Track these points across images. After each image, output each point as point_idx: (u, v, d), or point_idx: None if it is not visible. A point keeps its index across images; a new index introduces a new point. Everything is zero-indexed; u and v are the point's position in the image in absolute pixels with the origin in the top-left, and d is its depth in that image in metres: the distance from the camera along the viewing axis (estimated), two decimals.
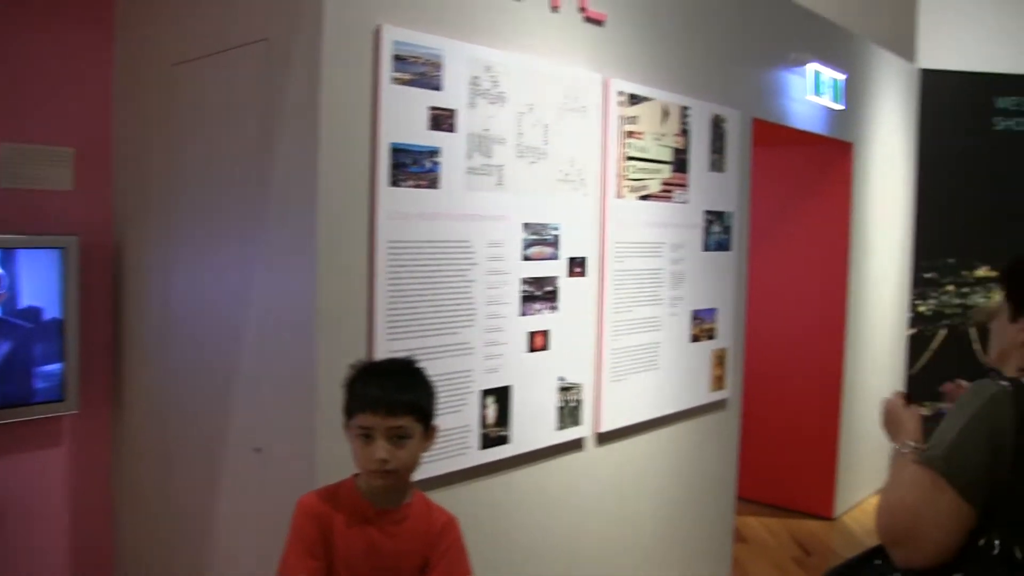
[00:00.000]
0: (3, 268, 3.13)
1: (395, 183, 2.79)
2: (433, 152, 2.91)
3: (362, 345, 2.75)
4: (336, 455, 2.47)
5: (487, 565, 3.09)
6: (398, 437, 2.08)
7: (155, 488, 3.43)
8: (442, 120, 2.93)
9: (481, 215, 3.08)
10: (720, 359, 4.49)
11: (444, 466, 2.99)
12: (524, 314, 3.27)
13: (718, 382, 4.48)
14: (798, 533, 5.91)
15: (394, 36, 2.78)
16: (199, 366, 3.18)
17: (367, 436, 2.07)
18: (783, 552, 5.57)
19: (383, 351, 2.75)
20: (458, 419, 3.04)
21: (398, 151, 2.80)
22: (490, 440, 3.17)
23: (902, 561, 1.88)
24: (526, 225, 3.25)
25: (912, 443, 2.03)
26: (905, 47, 6.89)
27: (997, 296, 2.10)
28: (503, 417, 3.21)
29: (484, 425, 3.14)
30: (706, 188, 4.27)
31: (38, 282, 3.22)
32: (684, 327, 4.19)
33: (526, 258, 3.26)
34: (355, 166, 2.72)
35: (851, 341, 6.12)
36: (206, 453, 3.13)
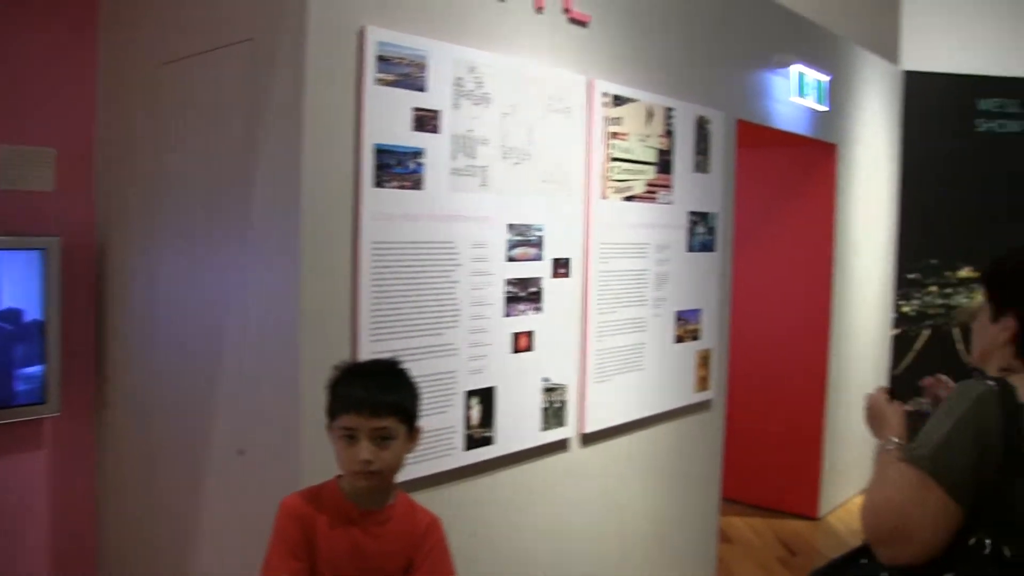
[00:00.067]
0: None
1: (379, 184, 2.79)
2: (417, 153, 2.90)
3: (346, 346, 2.75)
4: (320, 456, 2.46)
5: (471, 566, 3.09)
6: (382, 438, 2.08)
7: (139, 490, 3.41)
8: (426, 121, 2.93)
9: (465, 216, 3.08)
10: (704, 360, 4.50)
11: (429, 467, 2.99)
12: (508, 315, 3.27)
13: (702, 383, 4.49)
14: (783, 533, 5.93)
15: (378, 37, 2.77)
16: (182, 368, 3.17)
17: (351, 437, 2.07)
18: (768, 552, 5.58)
19: (367, 352, 2.74)
20: (442, 420, 3.04)
21: (382, 152, 2.79)
22: (474, 441, 3.17)
23: (888, 559, 1.87)
24: (510, 226, 3.25)
25: (896, 439, 2.04)
26: (889, 49, 6.92)
27: (979, 297, 2.11)
28: (487, 418, 3.21)
29: (468, 426, 3.14)
30: (690, 189, 4.27)
31: (19, 283, 3.21)
32: (668, 328, 4.19)
33: (510, 259, 3.26)
34: (339, 167, 2.71)
35: (835, 341, 6.14)
36: (190, 455, 3.12)
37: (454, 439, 3.09)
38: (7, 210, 3.29)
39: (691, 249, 4.32)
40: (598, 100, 3.64)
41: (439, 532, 2.23)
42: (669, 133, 4.09)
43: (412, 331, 2.92)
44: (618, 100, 3.76)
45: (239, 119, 2.86)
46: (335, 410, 2.12)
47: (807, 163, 6.07)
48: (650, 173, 3.99)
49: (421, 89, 2.91)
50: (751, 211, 5.93)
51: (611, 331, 3.80)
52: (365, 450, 2.05)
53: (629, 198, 3.86)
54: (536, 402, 3.43)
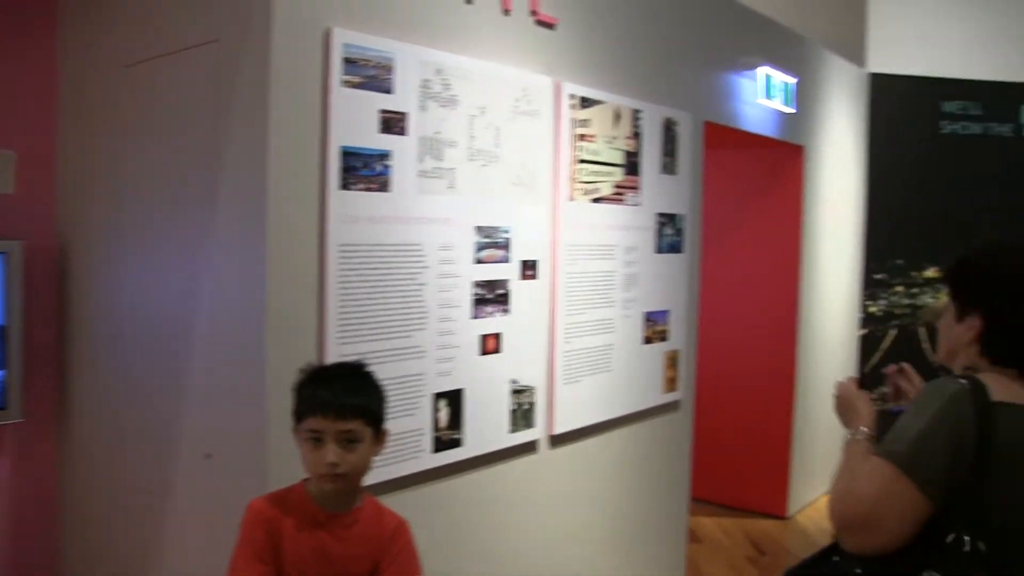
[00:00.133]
0: None
1: (345, 186, 2.78)
2: (384, 155, 2.90)
3: (313, 349, 2.74)
4: (287, 460, 2.45)
5: (439, 568, 3.09)
6: (348, 441, 2.07)
7: (104, 496, 3.38)
8: (393, 123, 2.92)
9: (432, 218, 3.07)
10: (673, 361, 4.51)
11: (397, 470, 2.98)
12: (476, 317, 3.27)
13: (671, 384, 4.51)
14: (752, 532, 5.96)
15: (344, 39, 2.77)
16: (148, 372, 3.15)
17: (317, 440, 2.06)
18: (737, 551, 5.61)
19: (334, 355, 2.74)
20: (410, 422, 3.04)
21: (348, 154, 2.79)
22: (443, 443, 3.16)
23: (853, 547, 1.90)
24: (478, 228, 3.25)
25: (865, 430, 2.08)
26: (855, 52, 6.99)
27: (944, 297, 2.14)
28: (456, 420, 3.21)
29: (437, 428, 3.14)
30: (658, 191, 4.29)
31: None
32: (637, 329, 4.21)
33: (478, 261, 3.26)
34: (305, 169, 2.70)
35: (803, 341, 6.18)
36: (156, 459, 3.10)
37: (422, 441, 3.08)
38: None
39: (659, 250, 4.33)
40: (565, 102, 3.65)
41: (406, 535, 2.23)
42: (636, 135, 4.10)
43: (379, 333, 2.92)
44: (585, 102, 3.77)
45: (204, 121, 2.85)
46: (301, 413, 2.11)
47: (774, 164, 6.11)
48: (618, 175, 4.00)
49: (388, 91, 2.90)
50: (719, 212, 5.95)
51: (579, 332, 3.81)
52: (331, 453, 2.05)
53: (597, 200, 3.87)
54: (504, 404, 3.43)
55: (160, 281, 3.10)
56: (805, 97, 5.93)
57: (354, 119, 2.80)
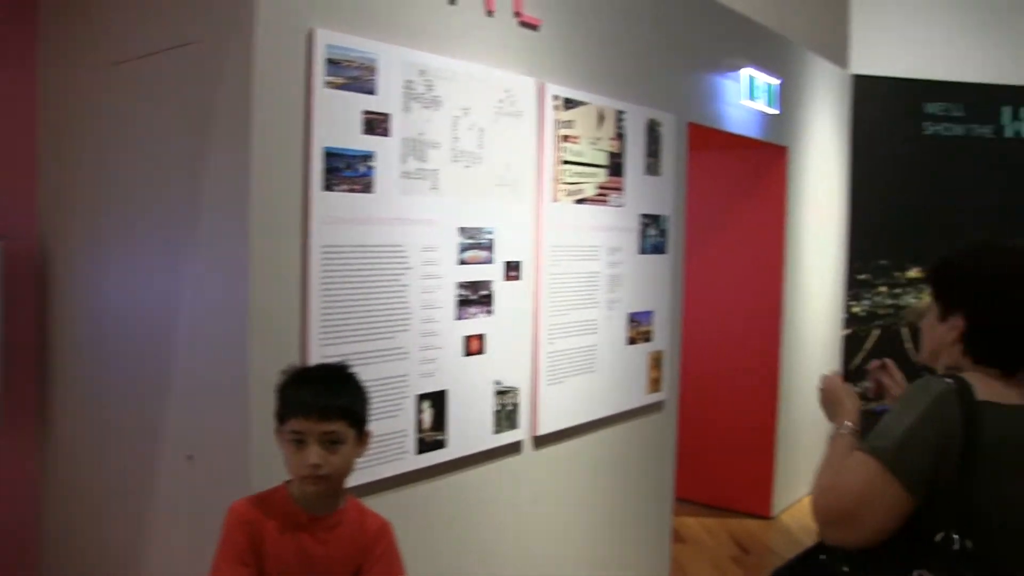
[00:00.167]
0: None
1: (329, 187, 2.78)
2: (367, 156, 2.90)
3: (296, 350, 2.73)
4: (269, 462, 2.44)
5: (423, 570, 3.09)
6: (331, 442, 2.07)
7: (85, 498, 3.37)
8: (376, 124, 2.92)
9: (416, 219, 3.07)
10: (657, 361, 4.52)
11: (380, 471, 2.98)
12: (460, 318, 3.27)
13: (655, 384, 4.52)
14: (736, 532, 5.98)
15: (327, 40, 2.76)
16: (129, 374, 3.14)
17: (299, 441, 2.06)
18: (722, 551, 5.63)
19: (317, 356, 2.73)
20: (394, 424, 3.03)
21: (332, 155, 2.78)
22: (426, 445, 3.16)
23: (835, 541, 1.94)
24: (461, 229, 3.25)
25: (850, 424, 2.10)
26: (838, 53, 7.01)
27: (927, 297, 2.15)
28: (439, 421, 3.21)
29: (420, 430, 3.14)
30: (642, 192, 4.30)
31: None
32: (620, 330, 4.21)
33: (461, 262, 3.26)
34: (288, 170, 2.70)
35: (787, 341, 6.20)
36: (137, 461, 3.09)
37: (406, 443, 3.08)
38: None
39: (643, 251, 4.34)
40: (549, 103, 3.65)
41: (389, 536, 2.23)
42: (620, 136, 4.11)
43: (363, 335, 2.92)
44: (569, 103, 3.77)
45: (186, 122, 2.84)
46: (284, 414, 2.11)
47: (758, 166, 6.13)
48: (601, 176, 4.01)
49: (371, 92, 2.90)
50: (703, 213, 5.97)
51: (563, 333, 3.82)
52: (314, 454, 2.04)
53: (580, 201, 3.88)
54: (488, 405, 3.43)
55: (142, 282, 3.09)
56: (788, 98, 5.95)
57: (337, 120, 2.80)
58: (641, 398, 4.43)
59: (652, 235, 4.41)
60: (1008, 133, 7.30)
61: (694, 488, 6.30)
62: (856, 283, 7.03)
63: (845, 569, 1.95)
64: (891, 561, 1.87)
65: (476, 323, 3.34)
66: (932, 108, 7.13)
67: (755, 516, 6.25)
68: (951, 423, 1.85)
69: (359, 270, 2.89)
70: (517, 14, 3.53)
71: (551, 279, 3.72)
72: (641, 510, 4.57)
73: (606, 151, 4.02)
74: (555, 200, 3.72)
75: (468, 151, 3.26)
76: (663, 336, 4.57)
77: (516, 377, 3.56)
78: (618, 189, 4.12)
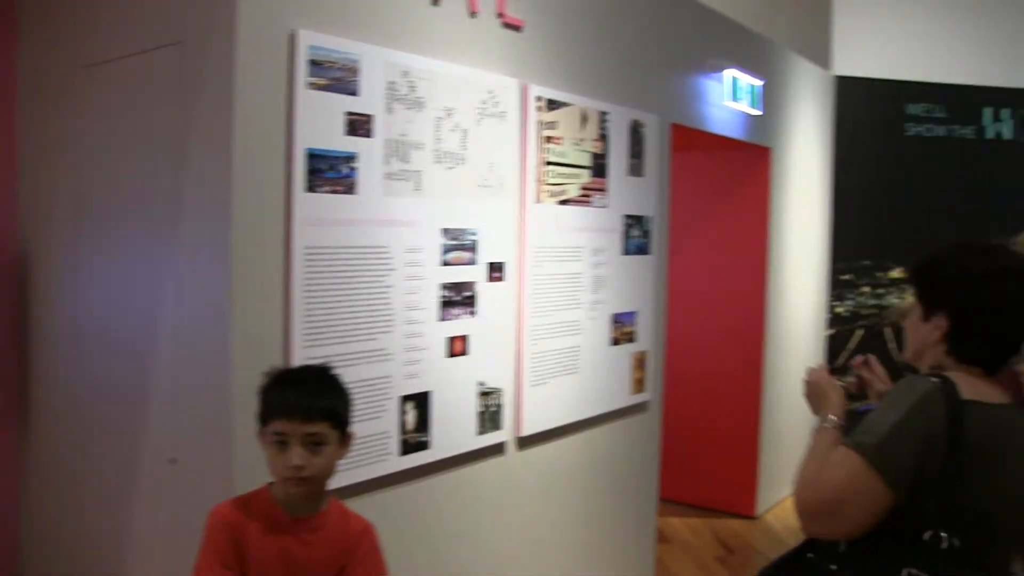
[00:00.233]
0: None
1: (311, 189, 2.77)
2: (350, 157, 2.89)
3: (279, 352, 2.73)
4: (252, 464, 2.44)
5: (407, 572, 3.09)
6: (314, 444, 2.07)
7: (66, 502, 3.35)
8: (359, 125, 2.92)
9: (399, 220, 3.07)
10: (640, 362, 4.53)
11: (364, 473, 2.98)
12: (443, 319, 3.26)
13: (639, 385, 4.53)
14: (721, 532, 5.99)
15: (310, 41, 2.76)
16: (112, 377, 3.12)
17: (282, 443, 2.06)
18: (706, 551, 5.64)
19: (300, 358, 2.73)
20: (377, 425, 3.03)
21: (314, 156, 2.78)
22: (410, 446, 3.16)
23: (815, 533, 1.98)
24: (445, 230, 3.25)
25: (834, 418, 2.12)
26: (821, 55, 7.05)
27: (910, 297, 2.17)
28: (423, 423, 3.21)
29: (404, 431, 3.13)
30: (625, 193, 4.31)
31: None
32: (604, 330, 4.22)
33: (445, 263, 3.26)
34: (270, 172, 2.69)
35: (770, 342, 6.22)
36: (120, 465, 3.07)
37: (389, 444, 3.08)
38: None
39: (626, 252, 4.35)
40: (532, 104, 3.66)
41: (372, 538, 2.22)
42: (603, 137, 4.12)
43: (346, 336, 2.91)
44: (552, 104, 3.77)
45: (167, 124, 2.83)
46: (266, 416, 2.11)
47: (741, 166, 6.14)
48: (585, 177, 4.01)
49: (354, 93, 2.90)
50: (686, 214, 5.99)
51: (547, 334, 3.82)
52: (297, 456, 2.04)
53: (564, 202, 3.88)
54: (472, 406, 3.43)
55: (124, 284, 3.07)
56: (771, 99, 5.97)
57: (320, 121, 2.80)
58: (625, 399, 4.43)
59: (635, 236, 4.42)
60: (989, 134, 7.36)
61: (678, 488, 6.32)
62: (839, 283, 7.06)
63: (833, 567, 1.97)
64: (880, 560, 1.89)
65: (460, 324, 3.34)
66: (914, 109, 7.18)
67: (739, 516, 6.27)
68: (936, 422, 1.87)
69: (342, 271, 2.89)
70: (500, 15, 3.53)
71: (535, 280, 3.73)
72: (625, 510, 4.58)
73: (589, 152, 4.03)
74: (538, 201, 3.72)
75: (451, 152, 3.26)
76: (647, 337, 4.58)
77: (500, 378, 3.56)
78: (601, 190, 4.13)
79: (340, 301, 2.89)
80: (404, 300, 3.10)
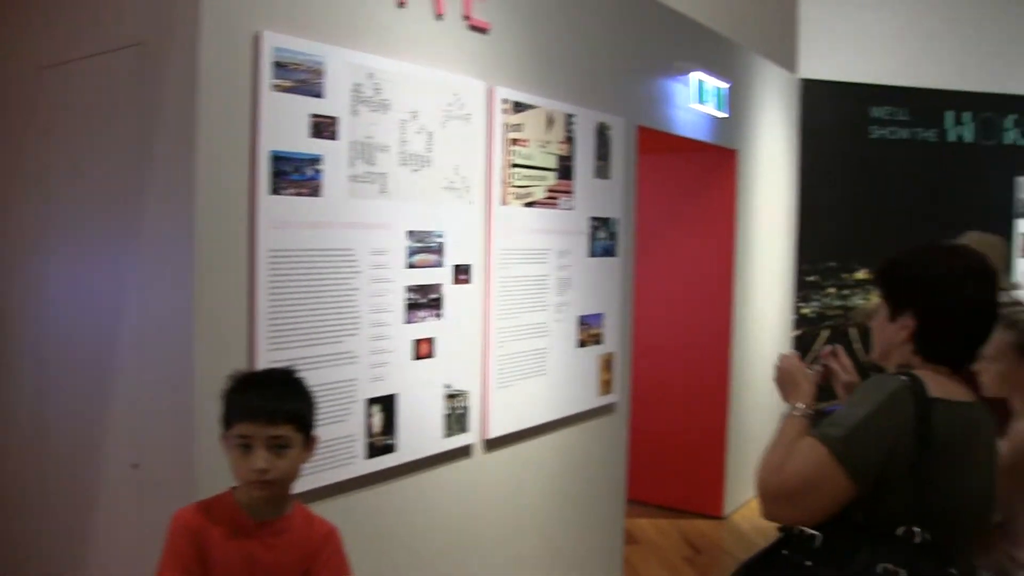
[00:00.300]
0: None
1: (276, 191, 2.76)
2: (315, 160, 2.88)
3: (243, 356, 2.71)
4: (216, 469, 2.42)
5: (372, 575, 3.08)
6: (278, 447, 2.06)
7: (26, 507, 3.31)
8: (324, 127, 2.91)
9: (364, 223, 3.06)
10: (607, 363, 4.55)
11: (330, 476, 2.96)
12: (409, 322, 3.26)
13: (606, 386, 4.54)
14: (688, 533, 6.02)
15: (274, 42, 2.75)
16: (73, 380, 3.09)
17: (246, 446, 2.05)
18: (674, 552, 5.66)
19: (265, 361, 2.71)
20: (343, 428, 3.02)
21: (279, 159, 2.76)
22: (376, 449, 3.15)
23: (775, 517, 2.03)
24: (410, 233, 3.24)
25: (803, 406, 2.16)
26: (786, 58, 7.10)
27: (875, 297, 2.20)
28: (389, 425, 3.20)
29: (370, 434, 3.13)
30: (591, 195, 4.32)
31: None
32: (571, 333, 4.23)
33: (411, 266, 3.25)
34: (234, 174, 2.68)
35: (737, 343, 6.26)
36: (81, 470, 3.03)
37: (355, 447, 3.07)
38: None
39: (592, 254, 4.36)
40: (498, 107, 3.66)
41: (336, 542, 2.22)
42: (570, 139, 4.13)
43: (311, 339, 2.90)
44: (518, 107, 3.78)
45: (129, 125, 2.80)
46: (230, 419, 2.10)
47: (707, 169, 6.18)
48: (551, 179, 4.02)
49: (318, 95, 2.89)
50: (653, 216, 6.01)
51: (513, 336, 3.82)
52: (261, 459, 2.03)
53: (530, 204, 3.89)
54: (438, 409, 3.43)
55: (86, 288, 3.04)
56: (737, 102, 6.01)
57: (284, 123, 2.78)
58: (592, 400, 4.44)
59: (602, 238, 4.43)
60: (951, 137, 7.47)
61: (646, 489, 6.33)
62: (805, 284, 7.12)
63: (808, 563, 1.99)
64: (855, 555, 1.92)
65: (426, 327, 3.34)
66: (878, 112, 7.27)
67: (707, 516, 6.30)
68: (905, 419, 1.91)
69: (307, 274, 2.88)
70: (467, 17, 3.53)
71: (501, 282, 3.73)
72: (593, 512, 4.59)
73: (555, 154, 4.04)
74: (504, 203, 3.72)
75: (417, 154, 3.26)
76: (614, 338, 4.59)
77: (466, 380, 3.56)
78: (568, 192, 4.14)
79: (305, 304, 2.87)
80: (370, 303, 3.10)
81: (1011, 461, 2.27)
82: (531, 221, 3.90)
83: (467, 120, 3.50)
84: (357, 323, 3.05)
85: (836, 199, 7.09)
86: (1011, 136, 7.68)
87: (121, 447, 2.89)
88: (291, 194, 2.80)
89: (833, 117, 7.13)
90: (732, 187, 6.13)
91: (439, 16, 3.40)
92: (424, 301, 3.32)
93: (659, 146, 5.62)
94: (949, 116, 7.44)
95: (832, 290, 7.19)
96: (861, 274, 7.17)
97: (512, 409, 3.84)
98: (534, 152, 3.89)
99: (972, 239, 3.87)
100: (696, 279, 6.24)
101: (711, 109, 5.58)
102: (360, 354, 3.07)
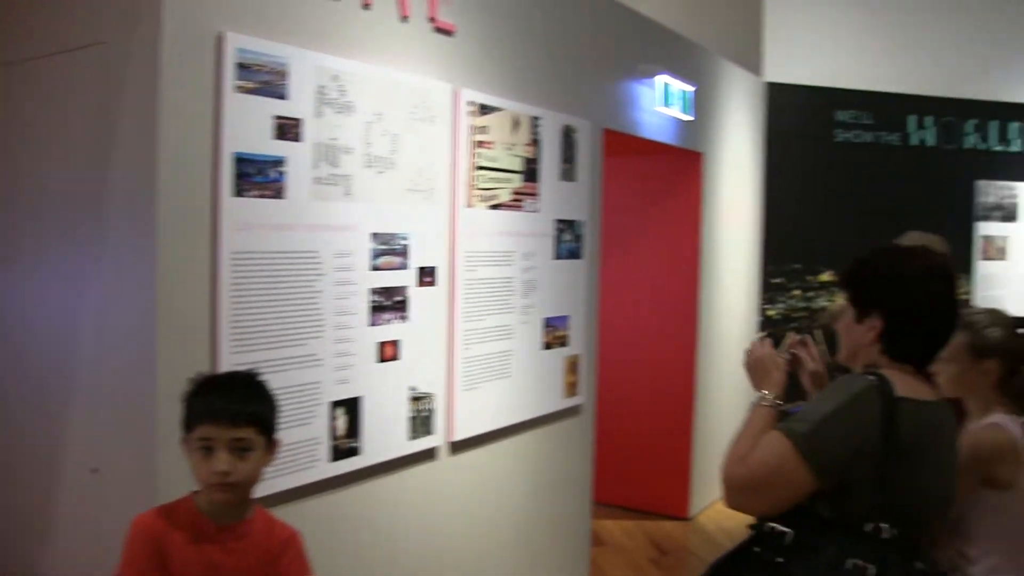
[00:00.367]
0: None
1: (239, 193, 2.74)
2: (278, 162, 2.87)
3: (205, 359, 2.69)
4: (177, 473, 2.39)
5: None
6: (240, 449, 2.05)
7: None
8: (287, 129, 2.89)
9: (328, 225, 3.05)
10: (573, 365, 4.55)
11: (293, 480, 2.95)
12: (374, 324, 3.25)
13: (571, 388, 4.55)
14: (654, 534, 6.04)
15: (237, 43, 2.73)
16: (32, 383, 3.04)
17: (208, 448, 2.04)
18: (640, 553, 5.68)
19: (228, 364, 2.69)
20: (307, 431, 3.00)
21: (242, 161, 2.75)
22: (340, 452, 3.14)
23: (737, 507, 2.08)
24: (375, 235, 3.23)
25: (771, 396, 2.19)
26: (752, 61, 7.15)
27: (840, 299, 2.23)
28: (353, 428, 3.19)
29: (334, 437, 3.11)
30: (557, 197, 4.33)
31: None
32: (536, 335, 4.23)
33: (375, 268, 3.24)
34: (196, 176, 2.66)
35: (703, 344, 6.29)
36: (40, 475, 2.99)
37: (319, 450, 3.05)
38: None
39: (558, 256, 4.37)
40: (464, 109, 3.66)
41: (298, 546, 2.21)
42: (535, 142, 4.13)
43: (274, 342, 2.88)
44: (484, 109, 3.78)
45: (90, 126, 2.77)
46: (191, 421, 2.08)
47: (673, 171, 6.20)
48: (516, 181, 4.02)
49: (282, 97, 2.87)
50: (618, 218, 6.03)
51: (478, 339, 3.82)
52: (223, 461, 2.02)
53: (495, 206, 3.89)
54: (403, 411, 3.42)
55: (46, 290, 3.00)
56: (703, 105, 6.04)
57: (247, 125, 2.77)
58: (558, 402, 4.45)
59: (567, 240, 4.44)
60: (913, 141, 7.56)
61: (612, 491, 6.34)
62: (770, 286, 7.17)
63: (780, 560, 2.02)
64: (825, 551, 1.95)
65: (390, 329, 3.33)
66: (843, 116, 7.34)
67: (672, 518, 6.32)
68: (872, 418, 1.95)
69: (271, 277, 2.86)
70: (432, 19, 3.53)
71: (466, 285, 3.73)
72: (559, 514, 4.59)
73: (521, 157, 4.04)
74: (469, 206, 3.72)
75: (381, 156, 3.25)
76: (579, 340, 4.60)
77: (431, 383, 3.56)
78: (533, 195, 4.14)
79: (269, 307, 2.86)
80: (334, 305, 3.08)
81: (964, 460, 2.31)
82: (497, 223, 3.90)
83: (432, 122, 3.49)
84: (321, 325, 3.04)
85: (801, 202, 7.14)
86: (971, 140, 7.79)
87: (81, 452, 2.85)
88: (254, 196, 2.79)
89: (798, 120, 7.18)
90: (698, 190, 6.16)
91: (404, 18, 3.39)
92: (389, 303, 3.31)
93: (625, 149, 5.64)
94: (912, 120, 7.53)
95: (797, 292, 7.24)
96: (825, 276, 7.22)
97: (478, 411, 3.84)
98: (500, 154, 3.89)
99: (913, 238, 3.95)
100: (662, 281, 6.26)
101: (677, 112, 5.61)
102: (324, 357, 3.06)
